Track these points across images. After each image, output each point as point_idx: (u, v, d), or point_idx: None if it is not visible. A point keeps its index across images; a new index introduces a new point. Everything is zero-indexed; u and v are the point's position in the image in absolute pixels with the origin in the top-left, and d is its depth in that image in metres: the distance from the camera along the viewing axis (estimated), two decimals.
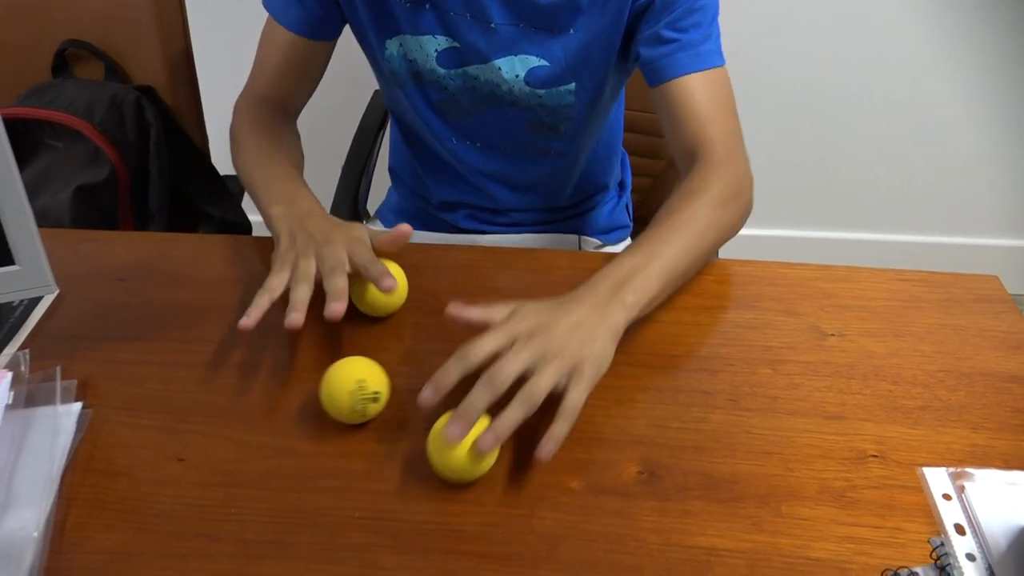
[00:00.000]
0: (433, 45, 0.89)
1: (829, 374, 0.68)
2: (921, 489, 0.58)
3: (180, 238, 0.90)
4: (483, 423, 0.57)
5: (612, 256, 0.71)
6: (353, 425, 0.63)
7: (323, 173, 1.20)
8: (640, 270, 0.68)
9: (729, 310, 0.75)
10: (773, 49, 1.66)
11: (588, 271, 0.68)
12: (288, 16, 0.90)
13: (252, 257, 0.83)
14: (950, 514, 0.56)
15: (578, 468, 0.60)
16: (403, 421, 0.64)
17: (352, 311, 0.70)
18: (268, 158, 0.86)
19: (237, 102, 0.95)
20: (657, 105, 0.86)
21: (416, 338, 0.73)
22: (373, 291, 0.71)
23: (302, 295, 0.66)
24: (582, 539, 0.55)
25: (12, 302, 0.75)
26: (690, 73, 0.81)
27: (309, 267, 0.69)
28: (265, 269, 0.71)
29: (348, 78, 1.36)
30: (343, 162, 1.21)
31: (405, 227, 0.73)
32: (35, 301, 0.76)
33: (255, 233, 1.12)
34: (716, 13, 0.84)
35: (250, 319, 0.65)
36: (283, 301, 0.67)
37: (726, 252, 0.81)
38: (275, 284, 0.68)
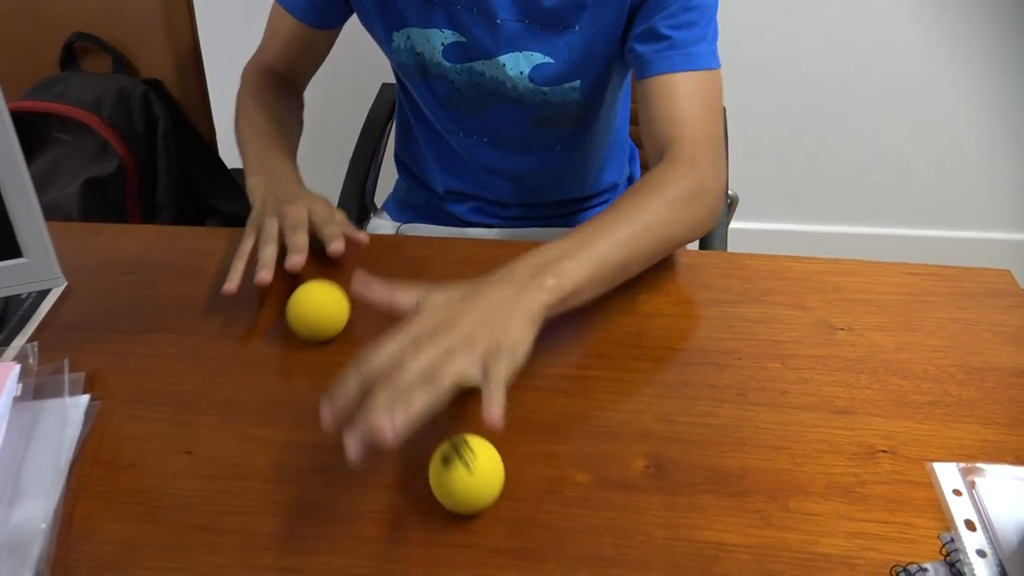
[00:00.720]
0: (440, 39, 0.89)
1: (838, 368, 0.68)
2: (931, 484, 0.58)
3: (188, 231, 0.90)
4: (486, 453, 0.55)
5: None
6: None
7: (331, 165, 1.20)
8: (568, 255, 0.63)
9: (737, 304, 0.74)
10: (785, 36, 1.65)
11: None
12: (293, 2, 0.92)
13: None
14: (960, 510, 0.56)
15: (585, 462, 0.60)
16: None
17: (353, 311, 0.70)
18: (259, 131, 0.90)
19: (245, 68, 0.99)
20: (639, 99, 0.85)
21: None
22: (313, 316, 0.69)
23: (268, 254, 0.73)
24: (589, 533, 0.55)
25: (21, 295, 0.75)
26: (677, 72, 0.80)
27: (272, 227, 0.75)
28: None
29: (356, 71, 1.36)
30: (351, 155, 1.21)
31: (363, 235, 0.78)
32: (43, 294, 0.76)
33: None
34: (713, 13, 0.83)
35: (232, 284, 0.71)
36: (280, 298, 0.67)
37: (735, 246, 0.80)
38: (246, 248, 0.74)
